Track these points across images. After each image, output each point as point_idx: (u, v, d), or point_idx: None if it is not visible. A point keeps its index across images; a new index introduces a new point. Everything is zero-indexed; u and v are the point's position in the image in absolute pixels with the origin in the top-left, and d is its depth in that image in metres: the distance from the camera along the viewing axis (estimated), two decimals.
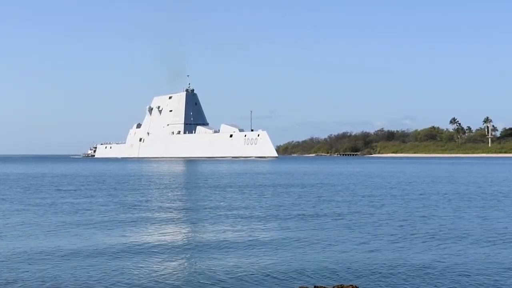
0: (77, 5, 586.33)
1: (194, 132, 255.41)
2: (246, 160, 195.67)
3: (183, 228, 24.59)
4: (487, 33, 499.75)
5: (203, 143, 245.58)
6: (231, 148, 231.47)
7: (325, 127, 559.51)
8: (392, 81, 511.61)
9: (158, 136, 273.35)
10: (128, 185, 55.17)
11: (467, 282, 14.86)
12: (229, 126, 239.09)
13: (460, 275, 15.54)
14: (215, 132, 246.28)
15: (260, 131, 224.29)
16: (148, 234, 22.85)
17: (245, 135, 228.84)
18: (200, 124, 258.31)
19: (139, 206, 34.37)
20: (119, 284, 14.75)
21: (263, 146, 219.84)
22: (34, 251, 19.03)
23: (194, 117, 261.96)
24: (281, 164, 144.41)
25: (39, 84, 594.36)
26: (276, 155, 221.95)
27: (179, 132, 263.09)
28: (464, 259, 17.56)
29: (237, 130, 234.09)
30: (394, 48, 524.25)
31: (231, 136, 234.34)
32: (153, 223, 26.27)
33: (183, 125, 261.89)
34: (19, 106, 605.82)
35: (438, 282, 14.81)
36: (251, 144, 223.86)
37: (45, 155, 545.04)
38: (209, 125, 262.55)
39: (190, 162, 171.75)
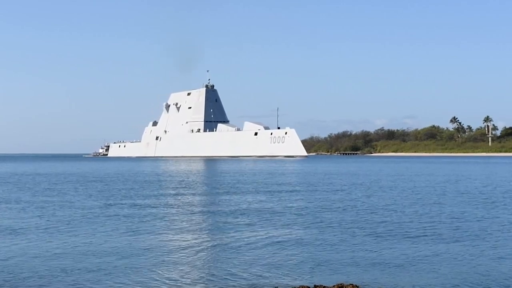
0: (86, 2, 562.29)
1: (215, 130, 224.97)
2: (274, 159, 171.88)
3: (192, 228, 22.63)
4: (488, 32, 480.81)
5: (226, 142, 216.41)
6: (256, 146, 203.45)
7: (325, 126, 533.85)
8: (393, 80, 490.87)
9: (176, 134, 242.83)
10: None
11: (468, 278, 14.07)
12: (253, 124, 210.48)
13: (461, 271, 14.79)
14: (238, 130, 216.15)
15: (287, 129, 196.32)
16: (157, 234, 20.88)
17: (271, 133, 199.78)
18: (221, 122, 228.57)
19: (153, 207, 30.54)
20: (124, 283, 13.73)
21: (291, 144, 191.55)
22: (44, 248, 18.09)
23: (215, 114, 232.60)
24: (319, 163, 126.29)
25: (52, 82, 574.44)
26: (306, 154, 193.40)
27: (198, 130, 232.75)
28: (463, 255, 16.77)
29: (262, 127, 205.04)
30: (394, 47, 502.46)
31: (256, 134, 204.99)
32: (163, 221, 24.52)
33: (203, 122, 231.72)
34: (32, 105, 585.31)
35: (439, 280, 13.90)
36: (278, 142, 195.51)
37: (57, 154, 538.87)
38: (229, 122, 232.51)
39: (213, 161, 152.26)
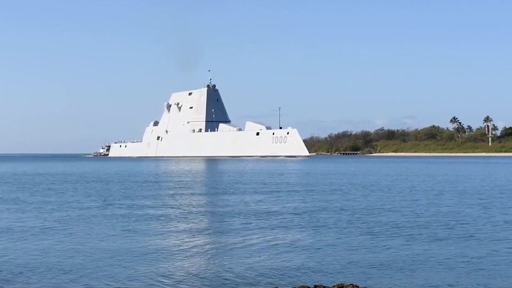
0: (86, 2, 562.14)
1: (217, 130, 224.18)
2: (276, 159, 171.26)
3: (190, 229, 22.16)
4: (488, 32, 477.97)
5: (227, 142, 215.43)
6: (258, 146, 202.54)
7: (325, 126, 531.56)
8: (393, 80, 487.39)
9: (177, 134, 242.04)
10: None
11: (464, 277, 14.05)
12: (255, 124, 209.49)
13: (457, 270, 14.73)
14: (240, 130, 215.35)
15: (289, 129, 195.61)
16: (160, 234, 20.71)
17: (273, 133, 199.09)
18: (222, 122, 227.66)
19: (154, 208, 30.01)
20: (121, 283, 13.54)
21: (293, 144, 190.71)
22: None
23: (216, 114, 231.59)
24: (320, 163, 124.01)
25: (52, 82, 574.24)
26: (308, 154, 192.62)
27: (200, 130, 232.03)
28: (460, 255, 16.68)
29: (264, 127, 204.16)
30: (394, 46, 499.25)
31: (257, 134, 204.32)
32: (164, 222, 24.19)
33: (204, 122, 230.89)
34: (32, 105, 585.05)
35: (437, 279, 13.79)
36: (280, 142, 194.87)
37: (58, 154, 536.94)
38: (231, 122, 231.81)
39: (214, 161, 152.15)
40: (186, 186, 46.67)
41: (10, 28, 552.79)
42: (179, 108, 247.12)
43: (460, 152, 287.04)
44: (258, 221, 24.30)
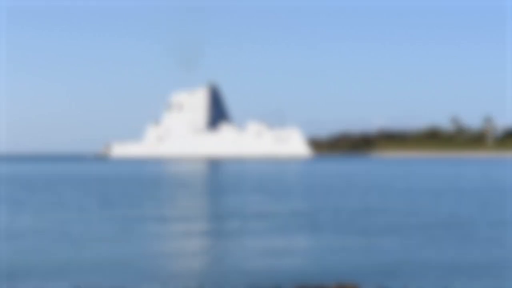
0: (87, 3, 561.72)
1: (218, 130, 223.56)
2: (278, 159, 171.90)
3: (189, 230, 22.07)
4: (488, 32, 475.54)
5: (229, 142, 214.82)
6: (259, 146, 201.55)
7: (325, 126, 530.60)
8: (393, 80, 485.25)
9: (178, 134, 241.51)
10: None
11: (466, 278, 13.99)
12: (256, 124, 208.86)
13: (458, 271, 14.63)
14: (241, 129, 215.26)
15: (292, 129, 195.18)
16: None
17: (275, 133, 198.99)
18: (224, 122, 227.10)
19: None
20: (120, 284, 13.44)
21: (295, 145, 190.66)
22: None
23: (218, 114, 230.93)
24: (320, 163, 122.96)
25: (52, 82, 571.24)
26: (310, 154, 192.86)
27: (201, 130, 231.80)
28: (459, 254, 16.75)
29: (266, 127, 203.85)
30: (394, 46, 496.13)
31: (259, 134, 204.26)
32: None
33: (206, 122, 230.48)
34: (32, 105, 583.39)
35: (437, 278, 13.82)
36: (282, 142, 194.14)
37: (58, 154, 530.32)
38: (232, 122, 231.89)
39: (215, 161, 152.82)
40: (185, 187, 46.65)
41: (10, 28, 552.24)
42: (180, 108, 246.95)
43: (460, 152, 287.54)
44: (257, 221, 24.22)
